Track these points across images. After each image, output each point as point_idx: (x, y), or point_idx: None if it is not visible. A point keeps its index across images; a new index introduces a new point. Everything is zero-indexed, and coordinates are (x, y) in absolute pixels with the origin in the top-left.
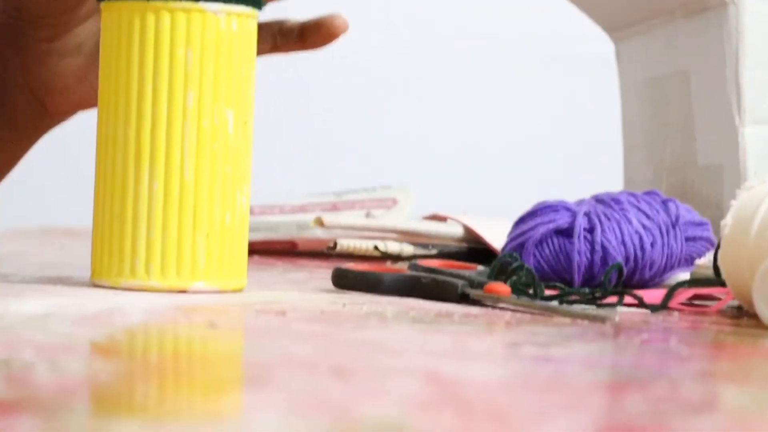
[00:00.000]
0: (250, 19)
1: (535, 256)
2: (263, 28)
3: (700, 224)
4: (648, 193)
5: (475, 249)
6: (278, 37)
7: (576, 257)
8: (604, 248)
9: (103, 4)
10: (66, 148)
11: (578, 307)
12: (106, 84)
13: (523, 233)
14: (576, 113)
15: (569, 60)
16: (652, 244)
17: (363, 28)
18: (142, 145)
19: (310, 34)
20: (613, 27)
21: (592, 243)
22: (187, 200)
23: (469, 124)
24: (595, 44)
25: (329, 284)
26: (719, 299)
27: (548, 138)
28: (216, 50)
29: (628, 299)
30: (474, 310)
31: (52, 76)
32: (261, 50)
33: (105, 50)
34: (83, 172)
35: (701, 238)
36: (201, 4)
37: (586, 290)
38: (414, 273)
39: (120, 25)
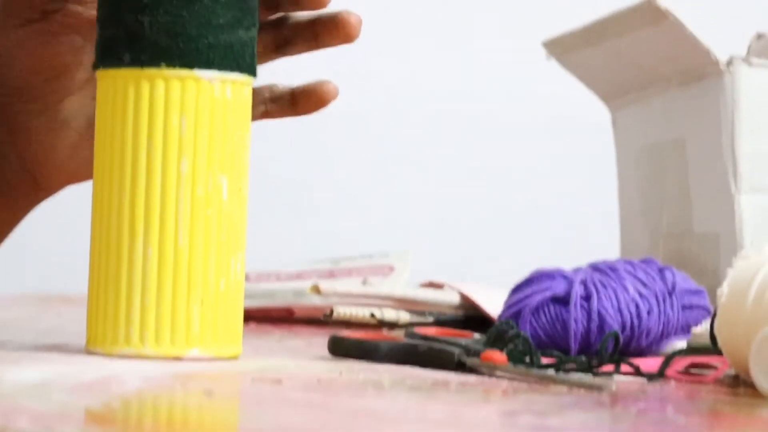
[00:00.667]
0: (244, 86)
1: (531, 323)
2: (254, 94)
3: (696, 292)
4: (645, 261)
5: (471, 317)
6: (269, 103)
7: (572, 325)
8: (600, 316)
9: (98, 72)
10: (62, 215)
11: (575, 376)
12: (101, 151)
13: (519, 301)
14: (573, 180)
15: (567, 127)
16: (649, 312)
17: (361, 90)
18: (137, 212)
19: (301, 100)
20: (609, 95)
21: (588, 311)
22: (181, 267)
23: (466, 190)
24: (593, 111)
25: (326, 352)
26: (716, 368)
27: (545, 205)
28: (210, 117)
29: (624, 368)
30: (471, 378)
31: (43, 151)
32: (253, 116)
33: (100, 117)
34: (80, 238)
35: (698, 307)
36: (195, 72)
37: (583, 358)
38: (411, 341)
39: (115, 92)
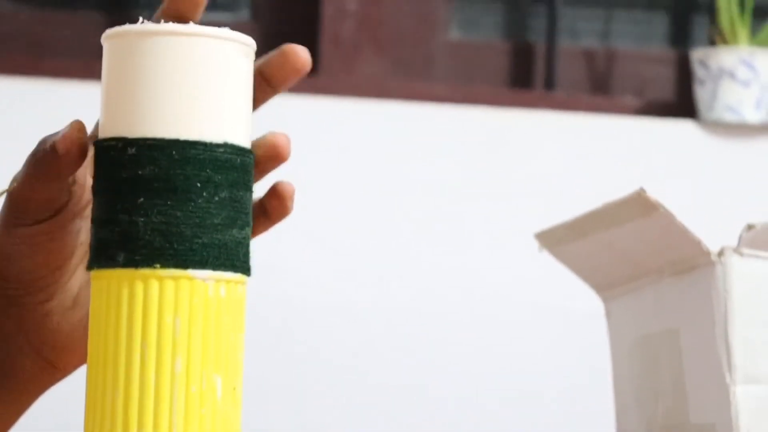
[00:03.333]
0: (239, 284)
1: None
2: None
3: None
4: None
5: None
6: None
7: None
8: None
9: (92, 273)
10: (55, 411)
11: None
12: (94, 350)
13: None
14: (567, 371)
15: (560, 317)
16: None
17: (354, 289)
18: (130, 411)
19: (269, 206)
20: (602, 286)
21: None
22: None
23: (462, 380)
24: (586, 301)
25: None
26: None
27: (539, 396)
28: (204, 317)
29: None
30: None
31: (56, 335)
32: None
33: (94, 317)
34: None
35: None
36: (189, 272)
37: None
38: None
39: (109, 293)
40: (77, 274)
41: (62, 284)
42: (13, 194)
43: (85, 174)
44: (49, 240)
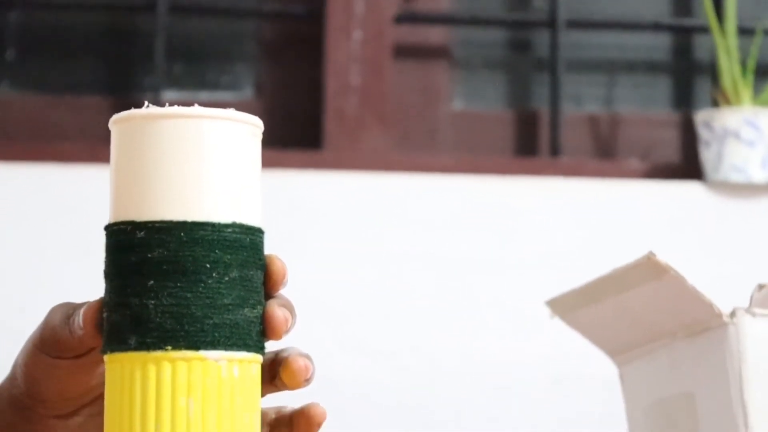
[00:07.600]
0: (252, 364)
1: None
2: (261, 415)
3: None
4: None
5: None
6: (273, 428)
7: None
8: None
9: (106, 357)
10: None
11: None
12: None
13: None
14: None
15: (574, 384)
16: None
17: (363, 363)
18: None
19: (294, 422)
20: (615, 351)
21: None
22: None
23: None
24: (600, 367)
25: None
26: None
27: None
28: (218, 398)
29: None
30: None
31: None
32: None
33: (109, 401)
34: None
35: None
36: (201, 353)
37: None
38: None
39: (122, 376)
40: (93, 404)
41: (75, 410)
42: (53, 330)
43: None
44: (68, 375)
